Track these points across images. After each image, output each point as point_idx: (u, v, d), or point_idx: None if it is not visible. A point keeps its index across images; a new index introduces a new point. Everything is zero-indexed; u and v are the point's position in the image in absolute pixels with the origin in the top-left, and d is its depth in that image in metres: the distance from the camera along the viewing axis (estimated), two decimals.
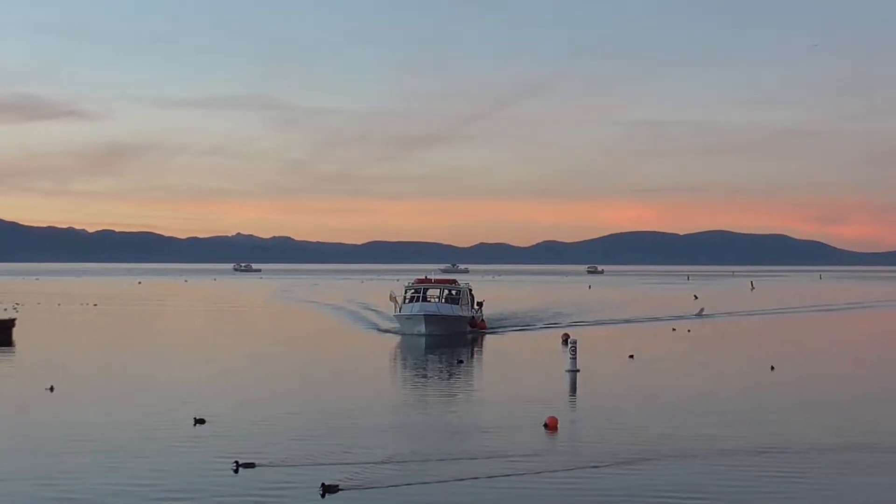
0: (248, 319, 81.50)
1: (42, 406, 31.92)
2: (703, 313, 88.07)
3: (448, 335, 61.33)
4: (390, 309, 67.94)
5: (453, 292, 66.43)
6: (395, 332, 63.81)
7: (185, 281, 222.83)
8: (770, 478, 21.98)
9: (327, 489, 19.98)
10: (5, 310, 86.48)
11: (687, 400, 34.35)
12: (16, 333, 59.63)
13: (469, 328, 64.99)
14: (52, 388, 35.35)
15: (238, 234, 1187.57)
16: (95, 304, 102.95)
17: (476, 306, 69.37)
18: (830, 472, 22.73)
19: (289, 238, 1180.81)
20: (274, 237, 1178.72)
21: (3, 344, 55.35)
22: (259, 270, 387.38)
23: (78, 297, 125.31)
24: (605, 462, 23.34)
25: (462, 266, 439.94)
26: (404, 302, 65.62)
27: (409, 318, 63.03)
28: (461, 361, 47.91)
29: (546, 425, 28.03)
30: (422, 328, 61.71)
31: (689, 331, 69.72)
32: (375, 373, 42.98)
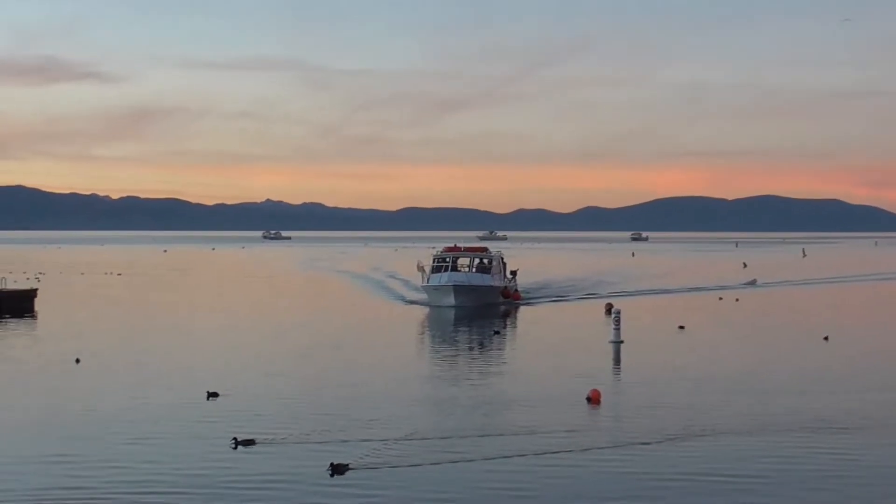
0: (272, 289, 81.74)
1: (55, 378, 32.14)
2: (755, 283, 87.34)
3: (478, 306, 60.62)
4: (419, 279, 67.34)
5: (485, 261, 65.58)
6: (423, 304, 63.27)
7: (213, 249, 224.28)
8: (823, 456, 21.56)
9: (336, 469, 19.51)
10: (28, 279, 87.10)
11: (736, 373, 33.97)
12: (38, 304, 59.92)
13: (502, 299, 64.45)
14: (77, 360, 35.72)
15: (267, 200, 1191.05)
16: (119, 274, 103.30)
17: (509, 275, 68.85)
18: (889, 451, 22.23)
19: (320, 205, 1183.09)
20: (304, 204, 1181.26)
21: (25, 314, 55.76)
22: (289, 238, 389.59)
23: (101, 266, 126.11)
24: (651, 439, 22.98)
25: (500, 233, 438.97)
26: (432, 272, 64.70)
27: (436, 288, 62.27)
28: (497, 332, 47.79)
29: (589, 399, 27.87)
30: (451, 299, 60.99)
31: (737, 300, 69.31)
32: (401, 345, 42.75)
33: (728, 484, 19.31)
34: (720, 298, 70.46)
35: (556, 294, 73.25)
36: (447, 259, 65.23)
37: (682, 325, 49.94)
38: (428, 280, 63.98)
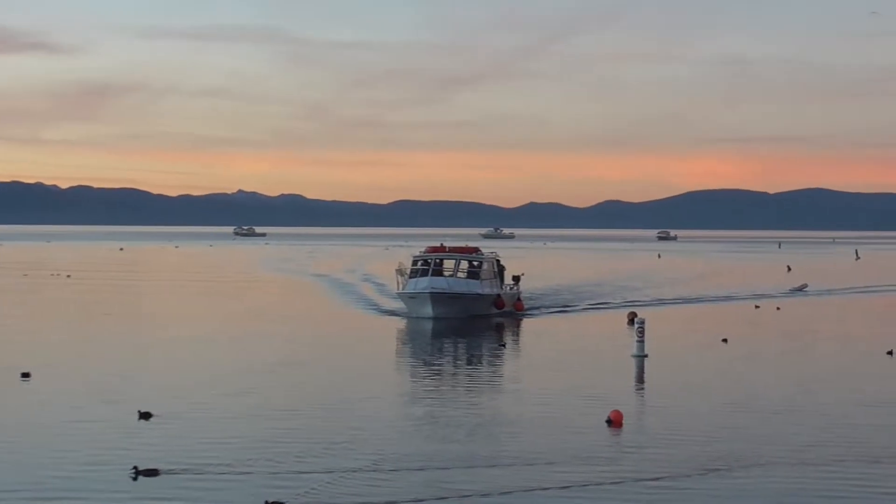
0: (231, 294, 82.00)
1: None
2: (805, 289, 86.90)
3: (463, 318, 59.12)
4: (396, 284, 65.00)
5: (474, 264, 63.52)
6: (403, 314, 61.82)
7: (177, 247, 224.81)
8: (882, 494, 21.06)
9: None
10: None
11: (780, 393, 33.65)
12: None
13: (495, 309, 62.98)
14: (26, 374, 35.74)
15: (240, 191, 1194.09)
16: (68, 276, 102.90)
17: (511, 282, 67.29)
18: None
19: (300, 196, 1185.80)
20: (283, 195, 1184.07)
21: None
22: (264, 235, 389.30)
23: (48, 266, 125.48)
24: (682, 470, 22.51)
25: (507, 230, 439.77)
26: (411, 276, 62.77)
27: (412, 296, 60.37)
28: (502, 346, 47.81)
29: (609, 421, 27.86)
30: (428, 309, 59.29)
31: (777, 309, 69.06)
32: (373, 361, 42.11)
33: None
34: (756, 307, 70.25)
35: (568, 302, 72.55)
36: (428, 261, 63.16)
37: (725, 338, 49.61)
38: (404, 286, 62.21)
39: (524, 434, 26.54)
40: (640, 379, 37.44)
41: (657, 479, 21.80)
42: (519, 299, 65.63)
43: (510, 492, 20.62)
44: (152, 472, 21.52)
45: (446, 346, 48.94)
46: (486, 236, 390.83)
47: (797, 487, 21.34)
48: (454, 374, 38.65)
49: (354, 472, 21.86)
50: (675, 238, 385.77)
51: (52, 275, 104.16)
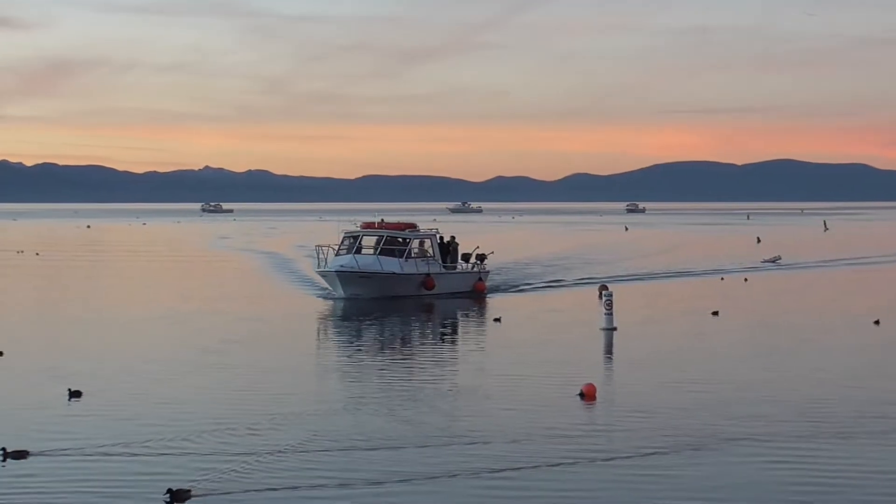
0: (185, 273, 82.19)
1: None
2: (778, 261, 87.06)
3: (380, 299, 57.22)
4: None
5: (399, 240, 60.77)
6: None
7: (144, 224, 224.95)
8: (854, 467, 20.85)
9: (175, 497, 17.99)
10: None
11: (752, 366, 33.52)
12: None
13: (425, 290, 60.27)
14: None
15: (206, 167, 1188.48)
16: (37, 254, 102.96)
17: (474, 261, 65.33)
18: None
19: (267, 172, 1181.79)
20: (249, 171, 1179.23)
21: None
22: (231, 211, 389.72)
23: (12, 244, 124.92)
24: (656, 447, 22.23)
25: (474, 204, 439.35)
26: (337, 253, 61.01)
27: (325, 275, 59.13)
28: (497, 320, 47.39)
29: (582, 394, 27.86)
30: (340, 290, 58.03)
31: (745, 280, 69.35)
32: (309, 339, 42.15)
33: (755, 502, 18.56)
34: (721, 279, 70.47)
35: (537, 276, 71.99)
36: (354, 237, 61.34)
37: (715, 311, 49.33)
38: (323, 263, 60.10)
39: (489, 410, 26.17)
40: (609, 351, 37.65)
41: (630, 456, 21.50)
42: (480, 279, 63.87)
43: (476, 473, 19.91)
44: (20, 455, 21.04)
45: (400, 324, 48.26)
46: (453, 210, 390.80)
47: (772, 463, 21.08)
48: (392, 352, 38.39)
49: (276, 455, 21.16)
50: (643, 210, 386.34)
51: (18, 252, 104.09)
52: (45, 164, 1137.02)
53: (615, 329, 42.13)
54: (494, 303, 57.51)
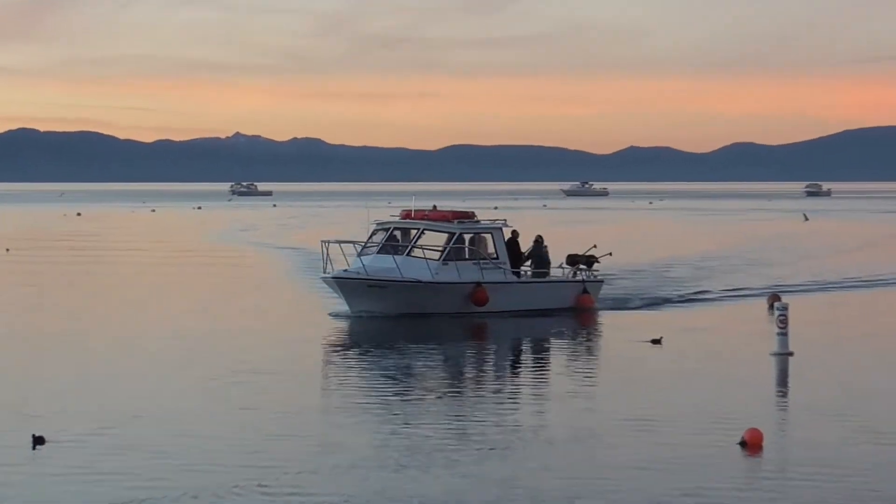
0: (178, 274, 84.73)
1: None
2: None
3: (401, 315, 56.51)
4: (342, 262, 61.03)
5: (438, 234, 59.71)
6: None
7: (153, 211, 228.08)
8: None
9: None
10: None
11: None
12: None
13: (474, 305, 58.30)
14: None
15: (237, 134, 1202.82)
16: (7, 249, 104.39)
17: (582, 267, 63.38)
18: None
19: (318, 141, 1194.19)
20: (294, 140, 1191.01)
21: None
22: (269, 194, 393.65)
23: None
24: None
25: (597, 185, 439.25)
26: (360, 253, 59.68)
27: (329, 282, 58.15)
28: (657, 341, 47.04)
29: (743, 443, 28.08)
30: (346, 304, 57.58)
31: None
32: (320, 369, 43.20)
33: None
34: None
35: (675, 286, 70.86)
36: (387, 230, 59.80)
37: None
38: (328, 267, 58.76)
39: (614, 464, 26.49)
40: (783, 385, 38.18)
41: None
42: (585, 291, 63.38)
43: None
44: None
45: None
46: (569, 193, 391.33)
47: None
48: (486, 387, 39.25)
49: None
50: (828, 193, 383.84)
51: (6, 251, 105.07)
52: (20, 131, 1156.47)
53: (791, 354, 42.23)
54: (616, 321, 56.65)
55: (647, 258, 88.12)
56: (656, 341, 46.71)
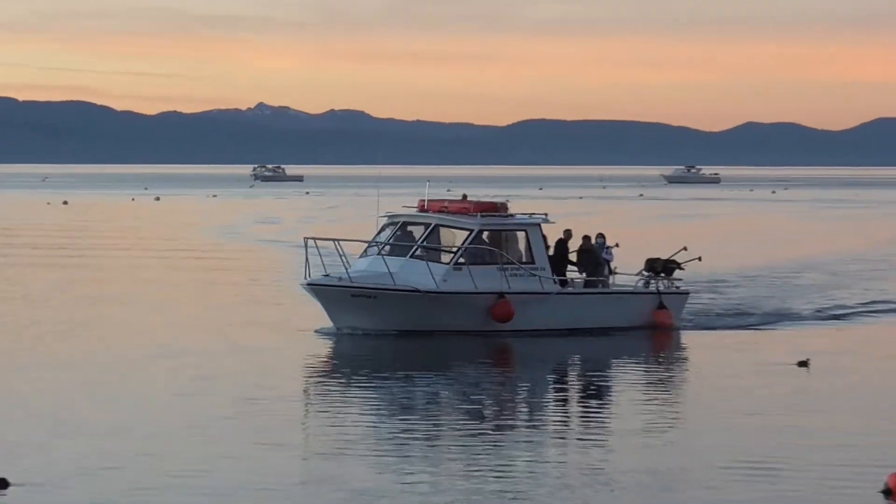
0: (175, 277, 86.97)
1: None
2: None
3: (400, 332, 56.83)
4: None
5: (454, 231, 59.42)
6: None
7: (157, 199, 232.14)
8: None
9: None
10: None
11: None
12: None
13: (496, 321, 57.92)
14: None
15: (261, 105, 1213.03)
16: None
17: (664, 273, 62.12)
18: None
19: (361, 114, 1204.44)
20: (332, 112, 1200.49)
21: None
22: (300, 178, 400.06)
23: None
24: None
25: (706, 170, 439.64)
26: (363, 254, 60.22)
27: (308, 290, 58.61)
28: (804, 363, 47.14)
29: (888, 491, 28.53)
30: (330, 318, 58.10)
31: None
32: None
33: None
34: None
35: (795, 300, 70.09)
36: (395, 224, 59.91)
37: None
38: (309, 273, 59.08)
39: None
40: None
41: None
42: (663, 306, 61.79)
43: None
44: None
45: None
46: (671, 180, 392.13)
47: None
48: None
49: None
50: None
51: None
52: (1, 101, 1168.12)
53: None
54: (699, 340, 56.82)
55: (761, 260, 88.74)
56: (803, 363, 46.95)
